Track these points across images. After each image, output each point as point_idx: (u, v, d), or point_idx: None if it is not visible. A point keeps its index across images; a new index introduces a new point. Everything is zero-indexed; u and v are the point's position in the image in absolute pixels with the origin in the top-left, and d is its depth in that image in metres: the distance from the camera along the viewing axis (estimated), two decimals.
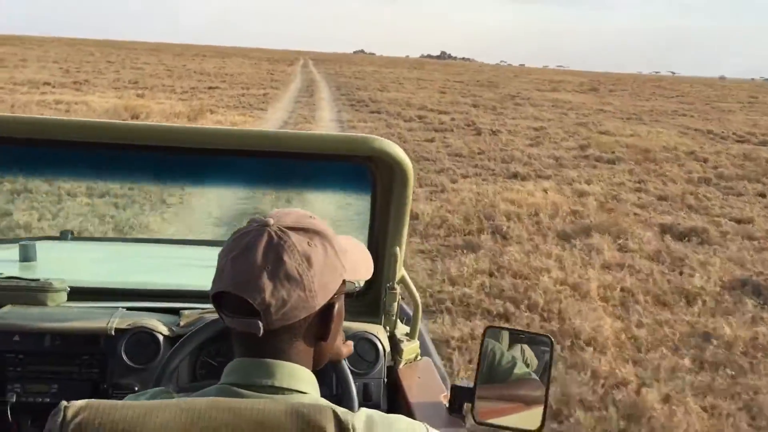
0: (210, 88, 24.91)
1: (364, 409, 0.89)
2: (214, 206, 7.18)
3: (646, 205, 8.92)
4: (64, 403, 0.84)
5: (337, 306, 0.96)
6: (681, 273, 5.96)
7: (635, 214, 8.29)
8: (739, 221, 8.11)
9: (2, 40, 74.08)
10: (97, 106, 15.75)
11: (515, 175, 10.50)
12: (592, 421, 3.43)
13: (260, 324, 0.88)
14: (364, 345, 1.57)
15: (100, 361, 1.53)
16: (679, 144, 15.47)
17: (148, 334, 1.53)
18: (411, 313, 1.75)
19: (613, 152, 13.30)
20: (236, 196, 7.22)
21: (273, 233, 0.90)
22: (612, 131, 17.45)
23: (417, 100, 24.84)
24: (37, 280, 1.66)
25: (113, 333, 1.52)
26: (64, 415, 0.83)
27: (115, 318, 1.55)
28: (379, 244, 1.60)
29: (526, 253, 6.23)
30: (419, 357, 1.69)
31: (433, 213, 7.46)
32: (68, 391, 1.49)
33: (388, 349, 1.61)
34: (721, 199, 9.62)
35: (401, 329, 1.71)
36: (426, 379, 1.61)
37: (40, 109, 14.86)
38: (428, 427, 0.93)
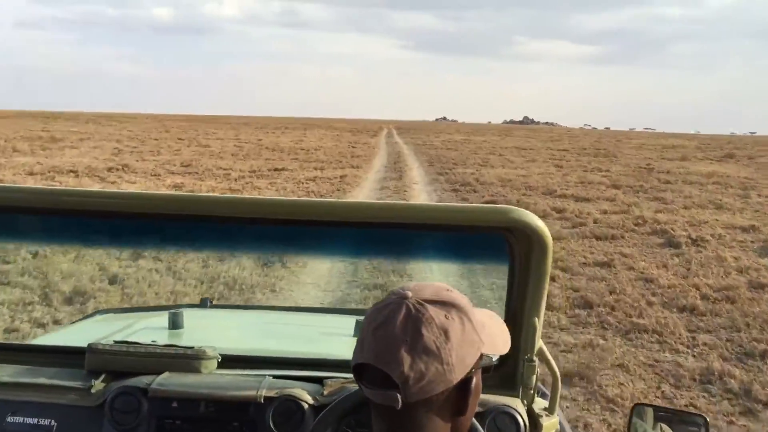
0: (275, 170, 19.90)
1: None
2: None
3: None
4: None
5: (474, 380, 0.96)
6: None
7: None
8: None
9: (90, 118, 74.44)
10: None
11: None
12: None
13: (399, 397, 0.89)
14: (504, 419, 1.52)
15: (249, 428, 1.57)
16: None
17: (295, 402, 1.57)
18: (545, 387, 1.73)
19: None
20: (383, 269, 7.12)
21: (411, 306, 0.92)
22: None
23: (536, 180, 19.24)
24: (192, 348, 1.69)
25: (262, 401, 1.56)
26: None
27: (264, 386, 1.60)
28: (517, 315, 1.59)
29: None
30: None
31: None
32: None
33: (527, 423, 1.54)
34: None
35: (539, 403, 1.63)
36: None
37: None
38: None
